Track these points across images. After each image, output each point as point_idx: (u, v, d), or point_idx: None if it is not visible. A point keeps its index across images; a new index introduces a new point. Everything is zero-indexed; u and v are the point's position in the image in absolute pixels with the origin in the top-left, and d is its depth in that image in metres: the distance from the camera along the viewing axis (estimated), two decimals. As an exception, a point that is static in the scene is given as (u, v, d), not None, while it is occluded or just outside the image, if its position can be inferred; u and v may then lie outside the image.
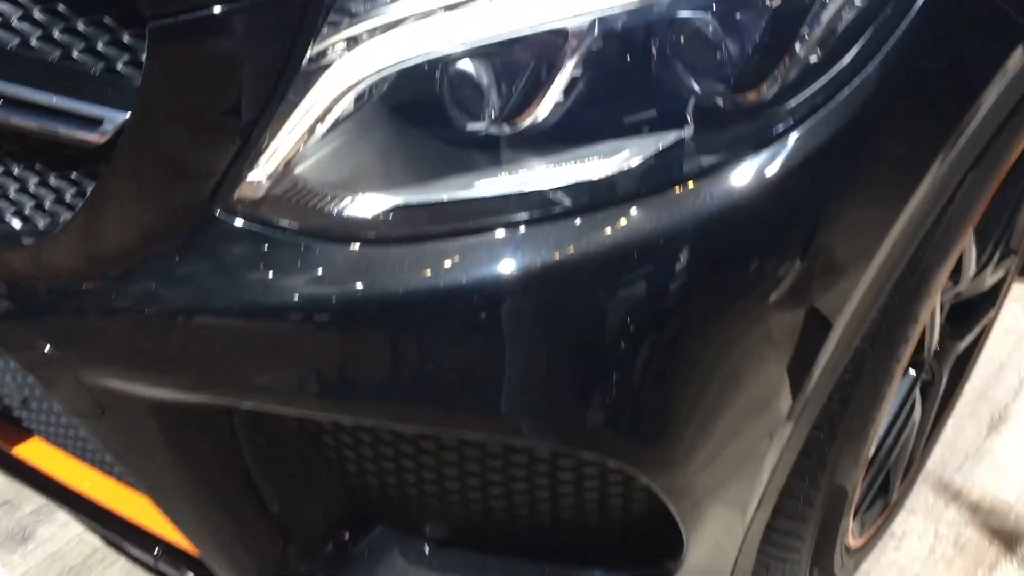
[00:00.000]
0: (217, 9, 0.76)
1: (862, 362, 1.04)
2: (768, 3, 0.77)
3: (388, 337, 0.83)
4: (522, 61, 0.81)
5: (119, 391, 0.93)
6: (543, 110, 0.82)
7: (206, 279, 0.85)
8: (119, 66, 0.83)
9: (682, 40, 0.79)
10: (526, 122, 0.82)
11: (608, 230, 0.80)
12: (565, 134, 0.83)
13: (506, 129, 0.83)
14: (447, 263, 0.81)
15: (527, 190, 0.83)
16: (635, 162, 0.81)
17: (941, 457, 1.92)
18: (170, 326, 0.88)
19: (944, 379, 1.60)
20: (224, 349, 0.87)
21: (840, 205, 0.84)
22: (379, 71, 0.80)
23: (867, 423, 1.12)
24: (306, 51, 0.79)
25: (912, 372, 1.46)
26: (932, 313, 1.33)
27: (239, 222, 0.85)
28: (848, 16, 0.80)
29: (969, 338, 1.63)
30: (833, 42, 0.81)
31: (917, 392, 1.49)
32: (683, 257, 0.80)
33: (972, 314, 1.61)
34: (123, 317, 0.89)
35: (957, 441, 1.98)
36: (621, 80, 0.82)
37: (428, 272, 0.81)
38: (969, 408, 2.05)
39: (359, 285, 0.82)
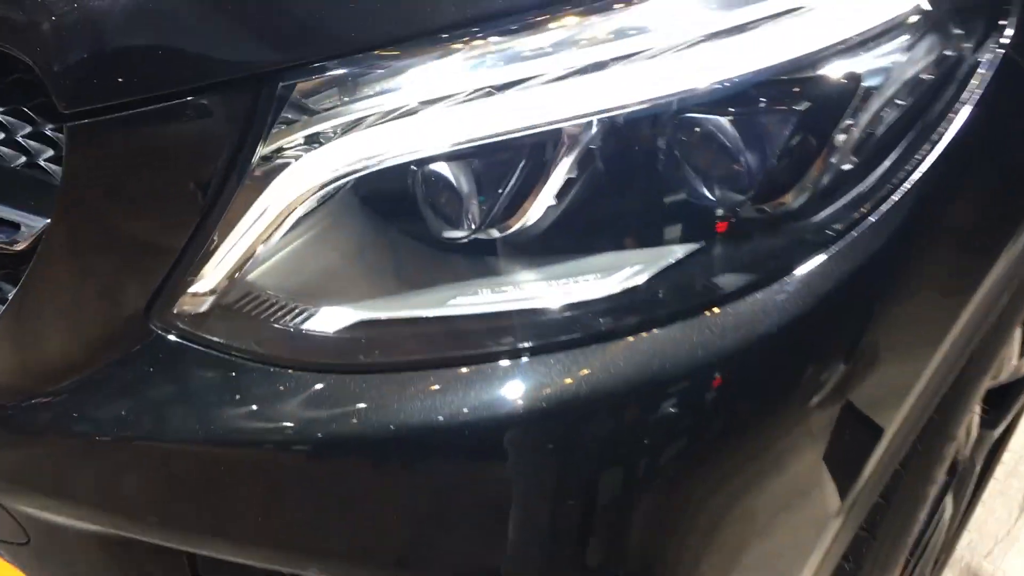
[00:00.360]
0: (149, 106, 0.64)
1: (895, 488, 0.92)
2: (795, 106, 0.65)
3: (350, 484, 0.71)
4: (509, 160, 0.69)
5: (45, 519, 0.82)
6: (533, 215, 0.70)
7: (140, 405, 0.74)
8: (40, 161, 0.72)
9: (693, 142, 0.67)
10: (512, 229, 0.71)
11: (610, 361, 0.68)
12: (558, 243, 0.72)
13: (491, 235, 0.72)
14: (416, 399, 0.69)
15: (513, 309, 0.71)
16: (641, 279, 0.69)
17: (969, 542, 1.78)
18: (97, 455, 0.76)
19: (977, 468, 1.47)
20: (161, 485, 0.76)
21: (877, 334, 0.72)
22: (344, 174, 0.68)
23: (897, 550, 1.00)
24: (255, 150, 0.68)
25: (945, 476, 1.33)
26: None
27: (179, 340, 0.73)
28: (890, 117, 0.68)
29: (1005, 423, 1.50)
30: (872, 146, 0.69)
31: (949, 493, 1.36)
32: (693, 397, 0.68)
33: (1009, 398, 1.48)
34: (46, 442, 0.78)
35: (987, 523, 1.84)
36: (623, 184, 0.71)
37: (394, 409, 0.69)
38: (999, 486, 1.91)
39: (316, 422, 0.70)
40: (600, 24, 0.64)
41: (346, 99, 0.67)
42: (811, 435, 0.73)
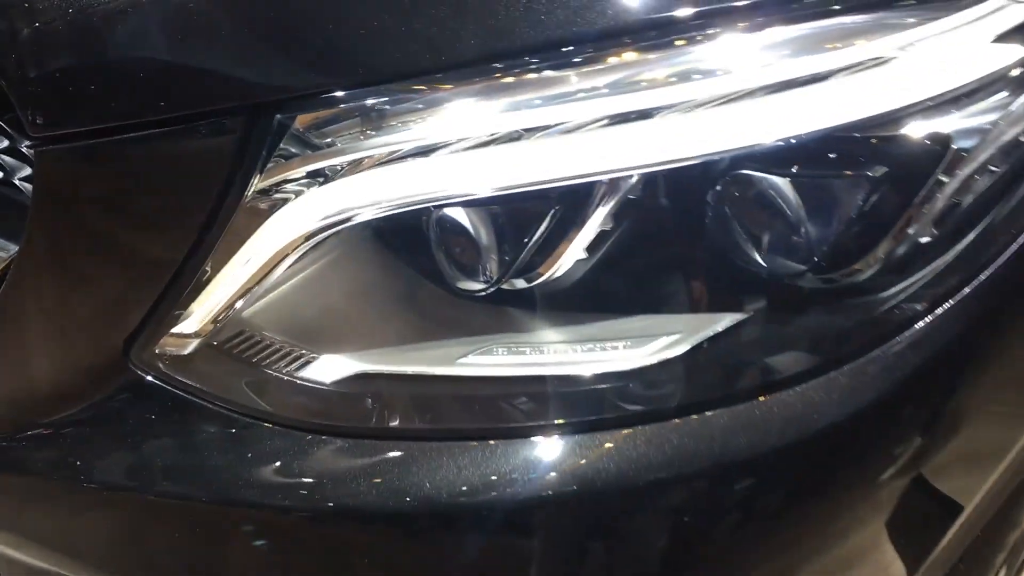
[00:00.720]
0: (129, 133, 0.57)
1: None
2: (868, 171, 0.56)
3: (336, 560, 0.64)
4: (536, 207, 0.61)
5: (18, 559, 0.76)
6: (560, 268, 0.61)
7: (114, 451, 0.67)
8: (16, 180, 0.65)
9: (748, 202, 0.58)
10: (535, 282, 0.62)
11: (640, 451, 0.59)
12: (586, 302, 0.64)
13: (512, 286, 0.63)
14: (403, 472, 0.61)
15: (531, 375, 0.63)
16: (678, 350, 0.61)
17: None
18: (72, 499, 0.70)
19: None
20: (131, 538, 0.69)
21: (955, 427, 0.63)
22: (348, 216, 0.60)
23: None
24: (248, 184, 0.60)
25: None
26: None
27: (159, 383, 0.66)
28: (981, 184, 0.59)
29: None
30: (957, 217, 0.59)
31: (1003, 567, 1.26)
32: (734, 493, 0.60)
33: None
34: (17, 478, 0.71)
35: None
36: (664, 241, 0.63)
37: (388, 485, 0.61)
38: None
39: (305, 490, 0.63)
40: (660, 66, 0.55)
41: (359, 134, 0.59)
42: (880, 522, 0.65)
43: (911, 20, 0.55)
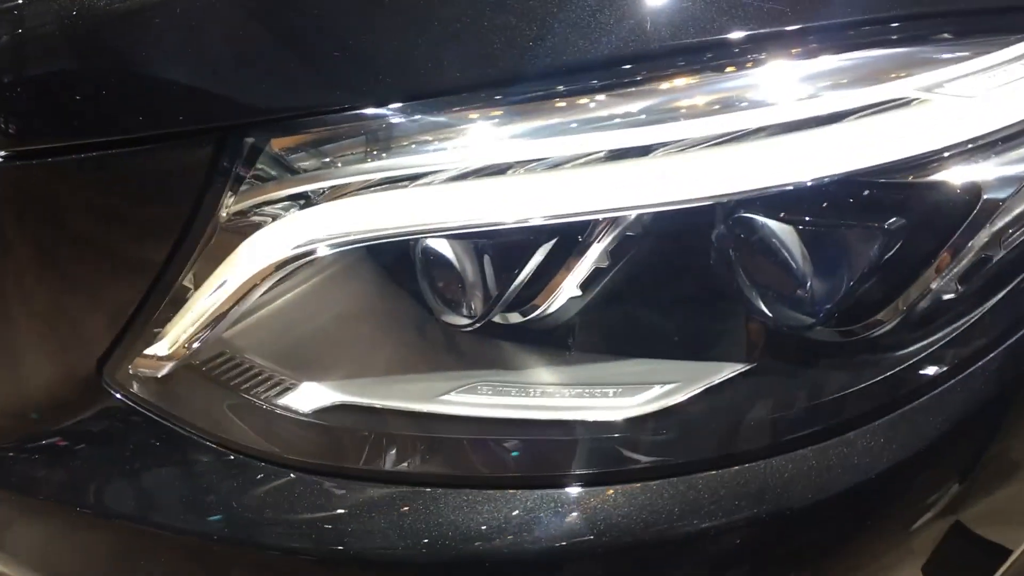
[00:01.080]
0: (93, 152, 0.54)
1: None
2: (886, 222, 0.51)
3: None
4: (524, 242, 0.57)
5: None
6: (551, 306, 0.58)
7: (88, 473, 0.65)
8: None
9: (751, 247, 0.53)
10: (524, 319, 0.59)
11: (620, 509, 0.54)
12: (577, 342, 0.61)
13: (500, 321, 0.60)
14: (369, 517, 0.57)
15: (514, 417, 0.59)
16: (675, 399, 0.56)
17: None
18: (47, 519, 0.68)
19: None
20: (108, 564, 0.67)
21: (987, 489, 0.58)
22: (323, 244, 0.56)
23: None
24: (218, 206, 0.56)
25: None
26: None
27: (133, 406, 0.64)
28: (1015, 238, 0.53)
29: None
30: (985, 273, 0.54)
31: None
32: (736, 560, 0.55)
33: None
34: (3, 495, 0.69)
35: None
36: (662, 282, 0.59)
37: (356, 529, 0.57)
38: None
39: (275, 526, 0.59)
40: (664, 100, 0.51)
41: (341, 158, 0.55)
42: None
43: (944, 57, 0.50)
